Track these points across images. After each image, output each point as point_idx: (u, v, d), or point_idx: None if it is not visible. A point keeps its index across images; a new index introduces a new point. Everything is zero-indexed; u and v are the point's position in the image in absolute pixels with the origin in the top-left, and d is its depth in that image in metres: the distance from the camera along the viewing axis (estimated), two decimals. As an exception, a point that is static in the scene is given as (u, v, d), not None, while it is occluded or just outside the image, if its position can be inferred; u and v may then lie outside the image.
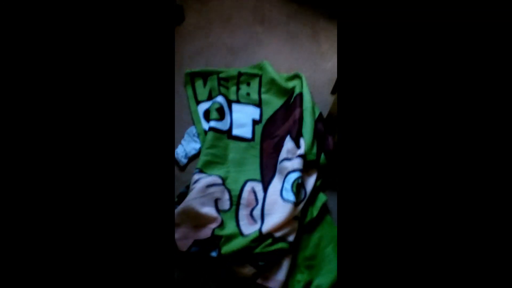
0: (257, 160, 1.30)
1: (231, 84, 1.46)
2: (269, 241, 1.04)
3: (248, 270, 1.02)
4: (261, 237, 1.04)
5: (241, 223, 1.13)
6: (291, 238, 1.07)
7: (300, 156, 1.19)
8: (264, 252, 1.02)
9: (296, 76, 1.48)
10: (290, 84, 1.45)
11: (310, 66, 1.58)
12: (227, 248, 1.03)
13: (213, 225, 1.09)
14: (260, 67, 1.51)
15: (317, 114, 1.35)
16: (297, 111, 1.31)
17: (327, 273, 1.06)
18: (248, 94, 1.45)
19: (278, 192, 1.15)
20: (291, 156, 1.22)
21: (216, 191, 1.16)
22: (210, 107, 1.37)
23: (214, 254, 1.05)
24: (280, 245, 1.04)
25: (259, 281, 1.03)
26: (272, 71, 1.47)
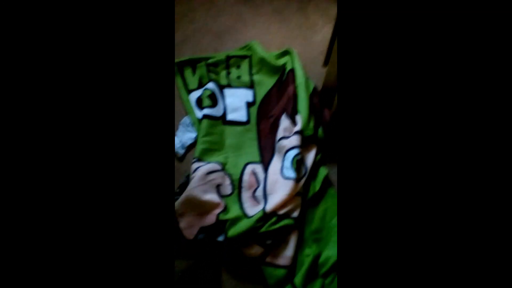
0: (255, 143, 1.35)
1: (220, 69, 1.51)
2: (274, 219, 1.09)
3: (256, 250, 1.08)
4: (266, 216, 1.09)
5: (245, 205, 1.19)
6: (295, 214, 1.12)
7: (297, 132, 1.24)
8: (270, 231, 1.08)
9: (286, 52, 1.52)
10: (281, 61, 1.49)
11: (300, 40, 1.61)
12: (233, 231, 1.09)
13: (217, 211, 1.15)
14: (249, 47, 1.55)
15: (311, 88, 1.39)
16: (290, 88, 1.36)
17: (335, 244, 1.12)
18: (239, 77, 1.49)
19: (279, 171, 1.20)
20: (288, 134, 1.26)
21: (217, 177, 1.22)
22: (201, 94, 1.42)
23: (221, 238, 1.11)
24: (285, 222, 1.09)
25: (268, 259, 1.09)
26: (261, 51, 1.51)
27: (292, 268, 1.08)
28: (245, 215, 1.15)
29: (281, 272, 1.06)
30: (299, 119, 1.27)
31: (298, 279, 1.06)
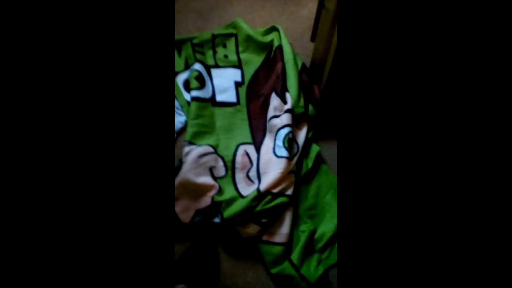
0: (246, 123, 1.35)
1: (206, 49, 1.49)
2: (269, 198, 1.11)
3: (253, 229, 1.11)
4: (260, 195, 1.11)
5: (239, 186, 1.20)
6: (289, 191, 1.14)
7: (287, 111, 1.24)
8: (265, 209, 1.10)
9: (273, 29, 1.50)
10: (268, 38, 1.47)
11: (286, 16, 1.59)
12: (229, 212, 1.11)
13: (212, 193, 1.17)
14: (234, 25, 1.53)
15: (300, 65, 1.39)
16: (278, 65, 1.35)
17: (330, 220, 1.15)
18: (225, 56, 1.48)
19: (271, 150, 1.22)
20: (278, 112, 1.27)
21: (209, 159, 1.22)
22: (188, 76, 1.40)
23: (217, 220, 1.13)
24: (279, 200, 1.12)
25: (264, 237, 1.11)
26: (247, 28, 1.49)
27: (288, 245, 1.11)
28: (240, 196, 1.16)
29: (278, 249, 1.09)
30: (289, 97, 1.28)
31: (295, 255, 1.09)
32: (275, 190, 1.13)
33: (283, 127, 1.22)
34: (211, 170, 1.22)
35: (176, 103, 1.38)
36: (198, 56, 1.45)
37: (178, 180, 1.15)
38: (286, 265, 1.08)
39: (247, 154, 1.27)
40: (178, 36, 1.52)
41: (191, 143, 1.25)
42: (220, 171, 1.24)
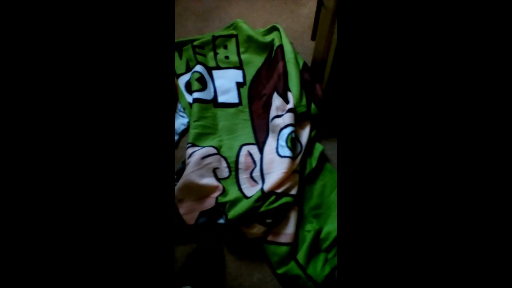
0: (249, 124, 1.36)
1: (207, 50, 1.50)
2: (273, 198, 1.12)
3: (257, 230, 1.11)
4: (264, 195, 1.12)
5: (243, 186, 1.21)
6: (293, 191, 1.15)
7: (290, 110, 1.25)
8: (269, 209, 1.10)
9: (273, 29, 1.51)
10: (269, 38, 1.48)
11: (286, 16, 1.60)
12: (233, 213, 1.11)
13: (216, 194, 1.17)
14: (234, 26, 1.54)
15: (301, 64, 1.40)
16: (280, 65, 1.36)
17: (335, 219, 1.15)
18: (227, 57, 1.49)
19: (274, 150, 1.22)
20: (281, 112, 1.27)
21: (213, 161, 1.23)
22: (190, 78, 1.41)
23: (221, 221, 1.14)
24: (284, 199, 1.12)
25: (270, 238, 1.12)
26: (247, 28, 1.50)
27: (294, 244, 1.11)
28: (244, 196, 1.17)
29: (283, 249, 1.09)
30: (291, 96, 1.28)
31: (301, 255, 1.09)
32: (279, 190, 1.13)
33: (285, 126, 1.22)
34: (214, 171, 1.22)
35: (179, 105, 1.39)
36: (199, 58, 1.46)
37: (181, 182, 1.16)
38: (292, 265, 1.08)
39: (250, 154, 1.28)
40: (179, 38, 1.53)
41: (194, 144, 1.26)
42: (224, 172, 1.24)
